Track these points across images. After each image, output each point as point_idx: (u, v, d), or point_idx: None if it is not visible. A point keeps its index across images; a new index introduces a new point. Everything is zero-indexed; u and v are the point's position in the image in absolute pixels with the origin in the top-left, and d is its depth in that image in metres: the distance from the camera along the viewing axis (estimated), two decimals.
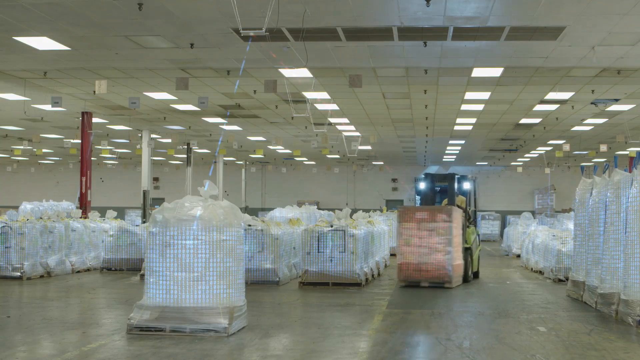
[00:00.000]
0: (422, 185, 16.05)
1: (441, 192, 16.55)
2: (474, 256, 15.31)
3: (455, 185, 15.34)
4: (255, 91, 18.05)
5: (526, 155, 35.54)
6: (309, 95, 18.30)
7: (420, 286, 13.49)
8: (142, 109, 21.15)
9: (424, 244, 13.58)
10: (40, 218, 16.39)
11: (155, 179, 44.77)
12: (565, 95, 18.28)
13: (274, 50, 13.20)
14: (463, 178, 16.19)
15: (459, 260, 13.99)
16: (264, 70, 15.27)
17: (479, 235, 16.18)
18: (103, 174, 43.39)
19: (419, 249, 13.58)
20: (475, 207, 16.30)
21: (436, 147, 32.63)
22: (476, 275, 15.70)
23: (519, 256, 21.95)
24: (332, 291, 13.10)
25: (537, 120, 23.14)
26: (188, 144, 30.82)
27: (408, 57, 14.03)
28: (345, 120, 23.40)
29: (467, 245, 14.82)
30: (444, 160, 39.88)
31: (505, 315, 10.38)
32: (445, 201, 15.84)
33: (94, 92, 15.48)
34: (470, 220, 15.63)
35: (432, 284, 13.49)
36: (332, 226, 13.95)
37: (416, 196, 16.48)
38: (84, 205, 21.41)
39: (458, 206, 14.92)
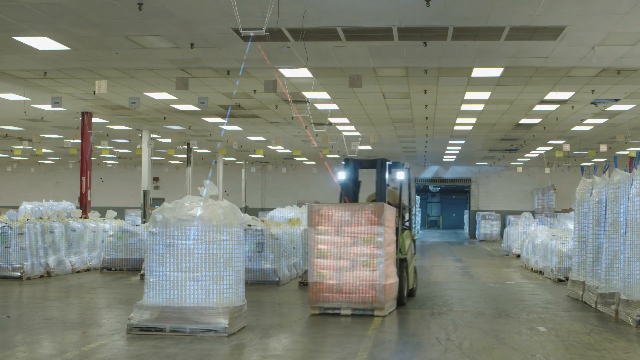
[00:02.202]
0: (342, 175, 11.97)
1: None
2: (409, 269, 11.85)
3: (387, 175, 11.66)
4: (255, 91, 18.05)
5: (526, 155, 35.53)
6: (309, 95, 18.30)
7: (340, 315, 10.06)
8: (142, 109, 21.15)
9: (346, 255, 10.02)
10: (40, 218, 16.39)
11: (155, 179, 44.74)
12: (565, 95, 18.28)
13: (273, 50, 13.18)
14: (396, 166, 12.03)
15: (392, 277, 10.55)
16: (264, 69, 15.27)
17: (414, 241, 12.58)
18: (103, 174, 43.38)
19: (338, 263, 10.03)
20: (410, 203, 12.65)
21: (436, 147, 32.63)
22: (411, 293, 12.19)
23: (519, 256, 21.97)
24: None
25: (537, 120, 23.13)
26: (188, 144, 30.81)
27: (408, 57, 14.02)
28: (346, 120, 23.40)
29: (402, 256, 11.40)
30: (444, 160, 39.88)
31: (505, 315, 10.39)
32: (368, 197, 12.42)
33: (94, 92, 15.48)
34: (404, 221, 12.13)
35: (357, 312, 10.08)
36: None
37: (342, 190, 12.02)
38: (84, 205, 21.40)
39: (389, 203, 11.45)
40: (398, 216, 11.53)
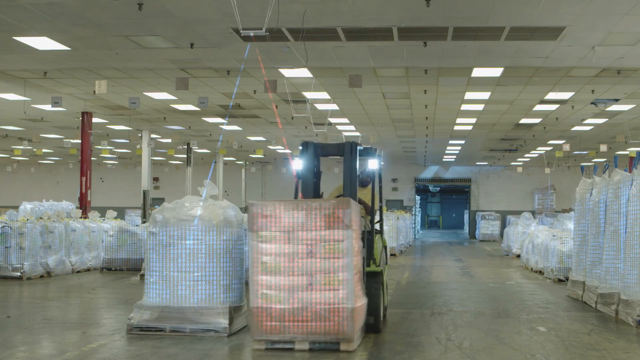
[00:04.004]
0: (298, 164, 9.21)
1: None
2: (385, 285, 9.45)
3: (357, 163, 9.00)
4: (255, 91, 18.06)
5: (526, 155, 35.53)
6: (309, 95, 18.30)
7: (294, 350, 7.60)
8: (142, 109, 21.14)
9: (300, 270, 7.54)
10: (40, 218, 16.39)
11: (155, 179, 44.74)
12: (565, 95, 18.28)
13: (274, 50, 13.19)
14: (368, 152, 9.50)
15: (361, 298, 7.99)
16: (264, 70, 15.26)
17: (386, 247, 10.03)
18: (103, 174, 43.38)
19: (291, 281, 7.54)
20: (380, 201, 9.91)
21: (436, 147, 32.64)
22: (383, 314, 9.43)
23: (519, 256, 21.96)
24: None
25: (537, 120, 23.14)
26: (188, 144, 30.81)
27: (408, 57, 14.02)
28: (346, 120, 23.41)
29: (377, 269, 8.82)
30: (444, 160, 39.88)
31: (505, 315, 10.39)
32: (336, 189, 9.82)
33: (94, 92, 15.48)
34: (373, 222, 9.30)
35: (317, 345, 7.58)
36: None
37: (297, 183, 9.26)
38: (84, 205, 21.40)
39: (360, 201, 9.17)
40: (370, 217, 9.22)
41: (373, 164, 9.63)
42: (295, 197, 9.18)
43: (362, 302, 8.00)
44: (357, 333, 7.75)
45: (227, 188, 40.66)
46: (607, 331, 9.08)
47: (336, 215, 7.58)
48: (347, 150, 8.93)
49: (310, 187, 9.03)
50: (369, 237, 8.85)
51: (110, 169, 43.26)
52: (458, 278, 16.27)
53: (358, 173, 9.13)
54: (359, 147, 9.05)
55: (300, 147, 9.20)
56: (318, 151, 9.26)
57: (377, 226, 9.57)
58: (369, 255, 8.80)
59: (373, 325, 8.57)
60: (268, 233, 7.65)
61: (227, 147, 31.58)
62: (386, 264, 10.03)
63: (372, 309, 8.51)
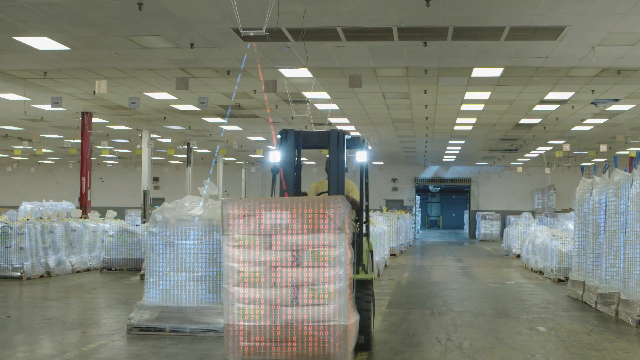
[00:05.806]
0: (275, 156, 7.93)
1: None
2: (373, 296, 8.06)
3: (344, 155, 7.89)
4: (255, 91, 18.06)
5: (526, 155, 35.53)
6: (309, 95, 18.30)
7: None
8: (142, 109, 21.14)
9: (283, 281, 6.41)
10: (40, 218, 16.40)
11: (155, 179, 44.73)
12: (565, 95, 18.28)
13: (273, 50, 13.19)
14: (355, 143, 8.17)
15: (353, 313, 6.92)
16: (264, 70, 15.27)
17: (372, 252, 8.80)
18: (103, 174, 43.37)
19: (273, 294, 6.41)
20: (366, 199, 8.29)
21: (436, 147, 32.64)
22: None
23: (519, 256, 21.97)
24: None
25: (537, 120, 23.14)
26: (188, 144, 30.81)
27: (408, 57, 14.03)
28: (346, 120, 23.41)
29: (367, 276, 7.66)
30: (444, 160, 39.89)
31: (505, 315, 10.39)
32: (312, 188, 8.86)
33: (94, 92, 15.48)
34: (359, 223, 8.16)
35: None
36: None
37: (274, 179, 8.07)
38: (84, 205, 21.40)
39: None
40: (356, 218, 8.14)
41: (361, 156, 8.26)
42: (272, 194, 7.94)
43: (355, 318, 6.93)
44: (350, 355, 6.50)
45: (227, 188, 40.67)
46: (607, 331, 9.08)
47: (327, 215, 6.39)
48: (333, 140, 7.78)
49: (290, 183, 7.85)
50: (358, 241, 7.80)
51: (110, 169, 43.25)
52: (458, 278, 16.27)
53: (345, 165, 7.92)
54: (347, 137, 7.88)
55: (279, 136, 7.96)
56: (299, 141, 8.03)
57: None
58: (357, 261, 7.67)
59: (363, 343, 7.39)
60: (245, 237, 6.47)
61: (227, 147, 31.58)
62: (372, 270, 8.88)
63: (363, 325, 7.31)
